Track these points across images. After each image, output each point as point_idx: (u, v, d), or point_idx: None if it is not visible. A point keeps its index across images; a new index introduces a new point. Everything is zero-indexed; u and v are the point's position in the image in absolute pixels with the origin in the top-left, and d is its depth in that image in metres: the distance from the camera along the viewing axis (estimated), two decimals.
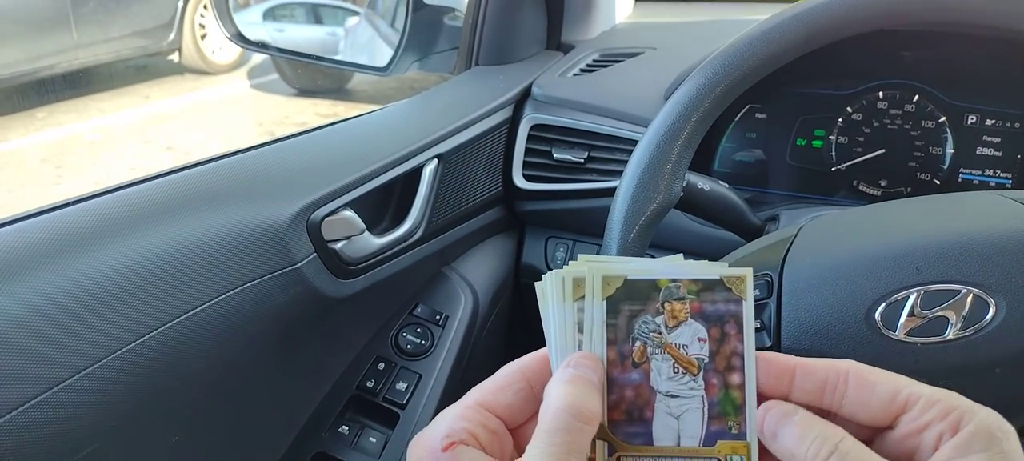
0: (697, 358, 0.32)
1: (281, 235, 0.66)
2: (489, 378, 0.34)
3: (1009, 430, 0.29)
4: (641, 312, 0.33)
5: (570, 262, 0.33)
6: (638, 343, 0.33)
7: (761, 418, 0.31)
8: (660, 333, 0.33)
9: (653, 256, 0.90)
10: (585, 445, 0.30)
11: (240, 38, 1.12)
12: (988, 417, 0.29)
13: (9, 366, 0.49)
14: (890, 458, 0.29)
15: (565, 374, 0.32)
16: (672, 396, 0.32)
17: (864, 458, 0.29)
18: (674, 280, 0.33)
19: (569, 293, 0.33)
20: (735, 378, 0.32)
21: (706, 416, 0.32)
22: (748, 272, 0.32)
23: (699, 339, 0.32)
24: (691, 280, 0.32)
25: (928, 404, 0.29)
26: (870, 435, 0.31)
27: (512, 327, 1.02)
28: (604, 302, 0.32)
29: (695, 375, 0.32)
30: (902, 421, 0.30)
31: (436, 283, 0.90)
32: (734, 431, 0.32)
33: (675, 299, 0.33)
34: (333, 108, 4.36)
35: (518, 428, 0.34)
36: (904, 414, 0.30)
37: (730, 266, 0.33)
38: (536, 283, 0.33)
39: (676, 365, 0.32)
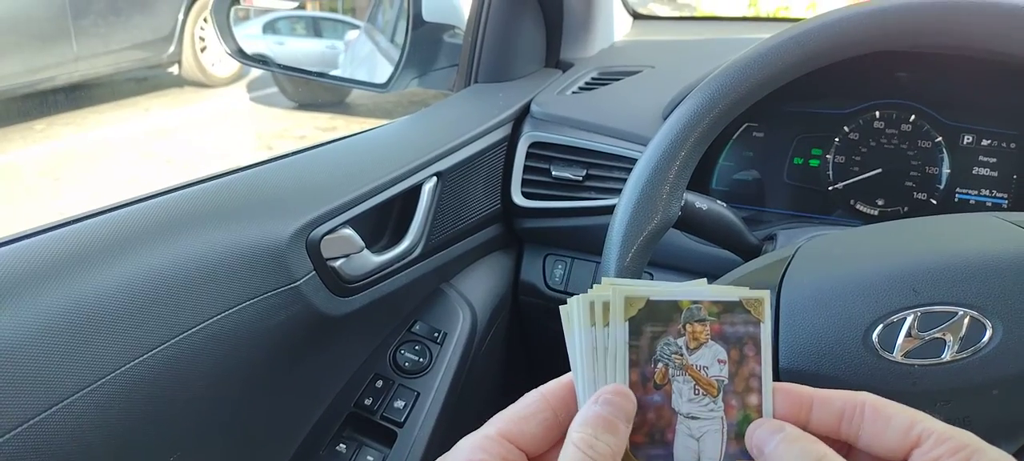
0: (717, 380, 0.33)
1: (280, 253, 0.67)
2: (511, 406, 0.34)
3: None
4: (663, 334, 0.33)
5: (594, 286, 0.33)
6: (660, 365, 0.33)
7: (750, 435, 0.32)
8: (681, 355, 0.33)
9: (652, 275, 0.91)
10: None
11: (240, 54, 1.13)
12: (998, 457, 0.29)
13: (10, 385, 0.49)
14: None
15: (590, 413, 0.31)
16: (693, 418, 0.33)
17: None
18: (696, 302, 0.33)
19: (598, 318, 0.33)
20: (753, 399, 0.33)
21: (725, 437, 0.32)
22: (766, 294, 0.33)
23: (719, 361, 0.33)
24: (712, 302, 0.33)
25: (940, 440, 0.30)
26: None
27: (511, 344, 1.02)
28: (627, 324, 0.33)
29: (715, 397, 0.33)
30: (914, 455, 0.30)
31: (434, 300, 0.90)
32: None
33: (696, 321, 0.33)
34: (332, 122, 4.37)
35: (540, 457, 0.33)
36: (917, 448, 0.30)
37: (749, 289, 0.33)
38: (561, 307, 0.33)
39: (697, 387, 0.33)
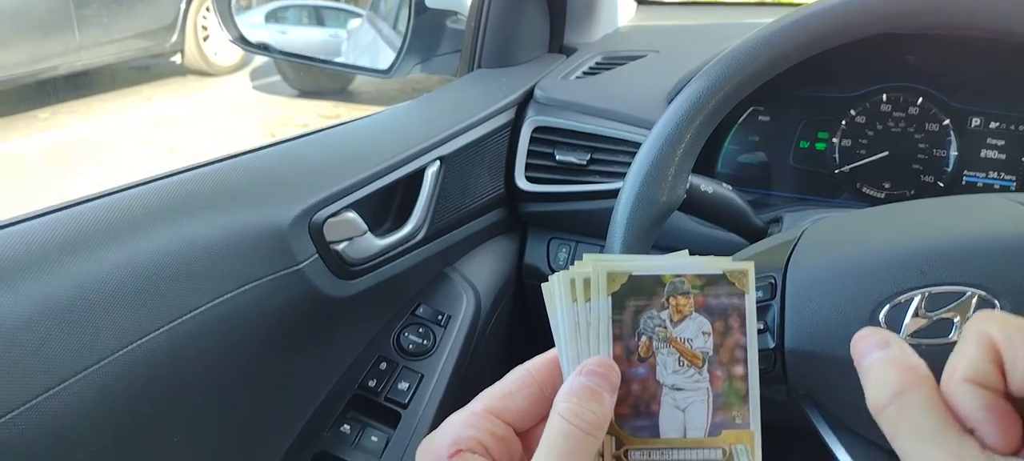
0: (701, 351, 0.33)
1: (283, 236, 0.66)
2: (498, 382, 0.34)
3: None
4: (646, 307, 0.33)
5: (576, 262, 0.33)
6: (644, 338, 0.33)
7: (855, 341, 0.29)
8: (665, 328, 0.33)
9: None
10: (593, 454, 0.31)
11: (242, 41, 1.13)
12: None
13: (11, 366, 0.49)
14: None
15: (575, 384, 0.32)
16: (678, 389, 0.33)
17: (930, 420, 0.25)
18: (678, 275, 0.33)
19: (579, 293, 0.33)
20: (739, 370, 0.33)
21: (711, 408, 0.33)
22: (750, 266, 0.33)
23: (703, 333, 0.33)
24: (695, 275, 0.33)
25: None
26: None
27: (514, 328, 1.02)
28: (610, 298, 0.33)
29: (700, 368, 0.33)
30: None
31: (438, 284, 0.90)
32: (738, 421, 0.33)
33: (679, 294, 0.33)
34: (335, 109, 4.37)
35: (527, 431, 0.34)
36: None
37: (731, 260, 0.33)
38: (543, 284, 0.33)
39: (681, 359, 0.33)
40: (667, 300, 0.33)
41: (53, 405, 0.50)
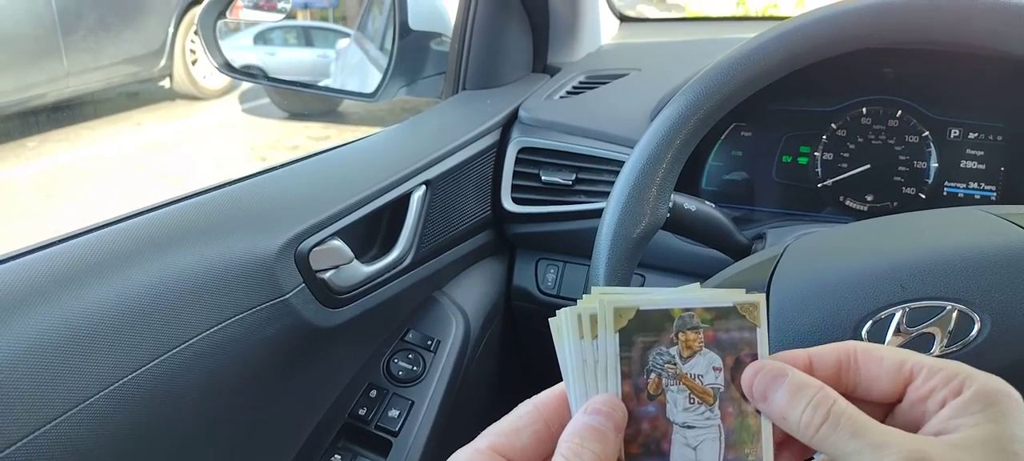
0: (713, 387, 0.32)
1: (269, 267, 0.66)
2: (504, 418, 0.33)
3: (1011, 393, 0.29)
4: (655, 344, 0.32)
5: (584, 296, 0.33)
6: (653, 375, 0.32)
7: (750, 381, 0.31)
8: (675, 364, 0.32)
9: (643, 277, 0.90)
10: None
11: (227, 67, 1.13)
12: (989, 381, 0.29)
13: (4, 403, 0.49)
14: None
15: (578, 423, 0.31)
16: (689, 427, 0.32)
17: (858, 419, 0.29)
18: (688, 310, 0.32)
19: (586, 329, 0.32)
20: (750, 406, 0.32)
21: (723, 445, 0.32)
22: (761, 299, 0.32)
23: (714, 368, 0.32)
24: (705, 309, 0.32)
25: (932, 372, 0.30)
26: (883, 414, 0.31)
27: (504, 350, 1.01)
28: (617, 335, 0.32)
29: (711, 405, 0.32)
30: (908, 391, 0.31)
31: (427, 308, 0.90)
32: (751, 459, 0.32)
33: (689, 329, 0.32)
34: (325, 131, 4.37)
35: None
36: (911, 384, 0.31)
37: (744, 292, 0.32)
38: (551, 319, 0.33)
39: (692, 396, 0.32)
40: (676, 335, 0.32)
41: (47, 441, 0.50)
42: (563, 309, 0.32)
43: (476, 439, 0.33)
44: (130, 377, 0.56)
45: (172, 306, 0.60)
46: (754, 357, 0.32)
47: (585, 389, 0.32)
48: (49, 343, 0.52)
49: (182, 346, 0.60)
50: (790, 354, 0.32)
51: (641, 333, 0.32)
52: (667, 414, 0.32)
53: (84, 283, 0.57)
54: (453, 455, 0.32)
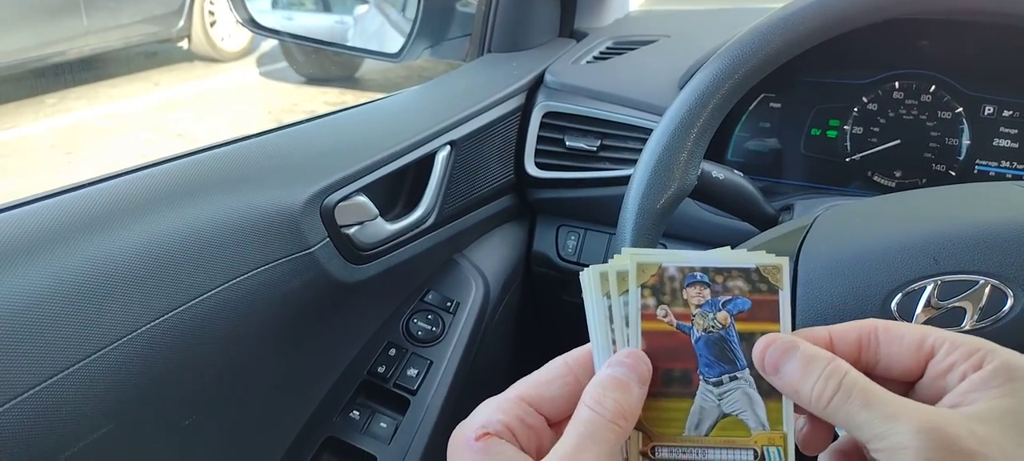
0: (734, 349, 0.32)
1: (295, 219, 0.66)
2: (534, 372, 0.34)
3: None
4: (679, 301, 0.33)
5: (614, 257, 0.33)
6: (677, 328, 0.33)
7: (761, 353, 0.32)
8: (701, 317, 0.33)
9: (665, 245, 0.90)
10: (616, 444, 0.31)
11: (253, 23, 1.12)
12: (1012, 357, 0.29)
13: (26, 346, 0.49)
14: None
15: (602, 375, 0.32)
16: (712, 384, 0.32)
17: (870, 389, 0.29)
18: (714, 269, 0.33)
19: (612, 286, 0.33)
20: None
21: (745, 407, 0.32)
22: (784, 261, 0.32)
23: (737, 330, 0.32)
24: (729, 269, 0.32)
25: (953, 347, 0.30)
26: (904, 391, 0.31)
27: (522, 315, 1.02)
28: (639, 290, 0.33)
29: (734, 366, 0.32)
30: (929, 367, 0.31)
31: (447, 270, 0.90)
32: (772, 422, 0.32)
33: (699, 283, 0.33)
34: (341, 96, 4.37)
35: (561, 424, 0.33)
36: (931, 359, 0.31)
37: (766, 254, 0.33)
38: (581, 274, 0.33)
39: (716, 353, 0.32)
40: (701, 293, 0.33)
41: (68, 384, 0.50)
42: (590, 266, 0.33)
43: (507, 389, 0.33)
44: (153, 324, 0.56)
45: (198, 253, 0.60)
46: (776, 319, 0.32)
47: (608, 344, 0.33)
48: (74, 285, 0.52)
49: (207, 294, 0.60)
50: (810, 331, 0.33)
51: (663, 291, 0.33)
52: (693, 371, 0.32)
53: (109, 228, 0.57)
54: (482, 403, 0.33)
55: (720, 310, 0.32)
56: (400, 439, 0.77)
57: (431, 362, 0.82)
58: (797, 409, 0.32)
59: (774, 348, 0.31)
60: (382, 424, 0.78)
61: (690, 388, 0.32)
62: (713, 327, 0.32)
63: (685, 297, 0.33)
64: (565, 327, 1.00)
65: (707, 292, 0.33)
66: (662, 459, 0.33)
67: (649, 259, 0.33)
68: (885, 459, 0.28)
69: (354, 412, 0.78)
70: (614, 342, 0.33)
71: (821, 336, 0.32)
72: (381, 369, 0.81)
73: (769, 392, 0.32)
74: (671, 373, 0.33)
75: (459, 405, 0.82)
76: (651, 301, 0.33)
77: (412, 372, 0.81)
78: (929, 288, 0.46)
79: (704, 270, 0.33)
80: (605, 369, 0.32)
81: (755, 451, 0.32)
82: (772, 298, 0.32)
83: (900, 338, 0.31)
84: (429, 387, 0.81)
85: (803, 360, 0.30)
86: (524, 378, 0.34)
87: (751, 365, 0.32)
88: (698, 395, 0.32)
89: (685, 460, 0.32)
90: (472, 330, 0.86)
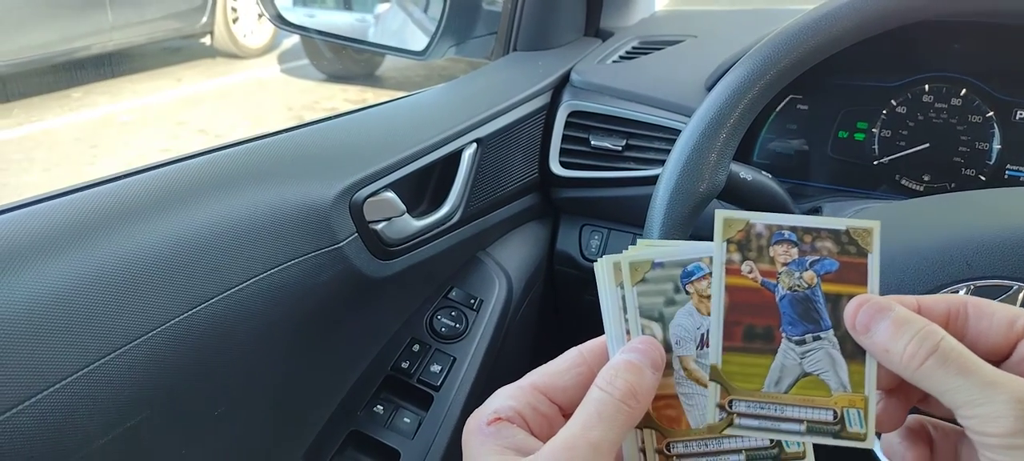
0: (820, 309, 0.32)
1: (325, 214, 0.67)
2: (551, 361, 0.35)
3: None
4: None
5: (630, 248, 0.33)
6: (762, 285, 0.32)
7: (853, 313, 0.31)
8: (791, 276, 0.32)
9: None
10: (626, 426, 0.31)
11: (280, 20, 1.13)
12: None
13: (64, 335, 0.50)
14: None
15: (615, 360, 0.33)
16: (796, 341, 0.32)
17: (968, 357, 0.29)
18: (802, 228, 0.32)
19: (626, 277, 0.33)
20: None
21: (828, 366, 0.32)
22: (876, 224, 0.32)
23: (823, 291, 0.32)
24: (817, 229, 0.32)
25: None
26: None
27: (545, 313, 1.02)
28: (725, 244, 0.32)
29: (818, 326, 0.32)
30: (1019, 347, 0.31)
31: (471, 267, 0.90)
32: (854, 384, 0.32)
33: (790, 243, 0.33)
34: (362, 94, 4.39)
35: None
36: (1021, 341, 0.31)
37: (857, 218, 0.32)
38: (595, 264, 0.34)
39: (800, 312, 0.32)
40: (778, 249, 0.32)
41: (105, 373, 0.51)
42: (604, 256, 0.33)
43: (522, 378, 0.34)
44: (187, 315, 0.57)
45: (231, 246, 0.61)
46: (864, 281, 0.31)
47: (623, 334, 0.33)
48: (110, 275, 0.53)
49: (240, 286, 0.61)
50: (900, 297, 0.32)
51: (749, 247, 0.33)
52: (778, 327, 0.32)
53: (143, 219, 0.58)
54: (496, 391, 0.34)
55: (807, 270, 0.32)
56: (423, 434, 0.78)
57: (454, 358, 0.82)
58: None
59: (867, 308, 0.31)
60: (405, 419, 0.79)
61: (772, 345, 0.32)
62: (799, 286, 0.32)
63: (772, 255, 0.32)
64: (587, 326, 0.99)
65: (795, 251, 0.32)
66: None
67: (736, 216, 0.33)
68: (978, 425, 0.28)
69: (378, 407, 0.79)
70: (628, 332, 0.33)
71: (909, 302, 0.32)
72: (405, 364, 0.81)
73: (853, 354, 0.32)
74: (753, 329, 0.32)
75: (481, 401, 0.82)
76: (736, 256, 0.32)
77: (435, 368, 0.81)
78: (962, 292, 0.46)
79: (792, 229, 0.32)
80: (619, 355, 0.33)
81: (834, 412, 0.32)
82: (861, 261, 0.32)
83: (991, 315, 0.31)
84: (452, 383, 0.81)
85: (896, 322, 0.30)
86: (539, 368, 0.35)
87: (835, 326, 0.32)
88: (780, 353, 0.32)
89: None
90: (495, 327, 0.86)
